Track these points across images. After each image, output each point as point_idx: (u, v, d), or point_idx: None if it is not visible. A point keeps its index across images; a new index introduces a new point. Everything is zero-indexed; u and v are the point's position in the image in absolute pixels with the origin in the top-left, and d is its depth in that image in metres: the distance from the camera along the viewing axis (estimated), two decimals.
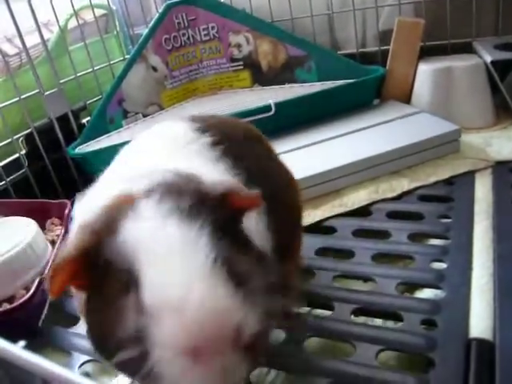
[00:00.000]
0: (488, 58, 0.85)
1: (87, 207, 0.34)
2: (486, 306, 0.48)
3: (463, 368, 0.42)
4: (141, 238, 0.28)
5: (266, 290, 0.29)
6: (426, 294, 0.53)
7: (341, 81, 0.94)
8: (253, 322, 0.27)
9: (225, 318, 0.26)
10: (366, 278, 0.56)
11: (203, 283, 0.26)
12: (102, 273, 0.29)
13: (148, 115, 0.97)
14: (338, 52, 1.05)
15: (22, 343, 0.25)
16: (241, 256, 0.29)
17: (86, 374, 0.49)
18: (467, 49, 0.94)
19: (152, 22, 0.98)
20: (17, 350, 0.24)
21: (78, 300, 0.33)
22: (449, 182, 0.71)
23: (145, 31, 0.98)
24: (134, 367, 0.26)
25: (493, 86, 0.87)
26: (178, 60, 1.02)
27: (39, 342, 0.55)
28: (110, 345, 0.28)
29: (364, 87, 0.92)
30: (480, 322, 0.47)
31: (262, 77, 1.03)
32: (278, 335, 0.49)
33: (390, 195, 0.69)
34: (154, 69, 0.98)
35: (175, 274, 0.26)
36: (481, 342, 0.44)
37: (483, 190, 0.68)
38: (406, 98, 0.94)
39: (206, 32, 1.02)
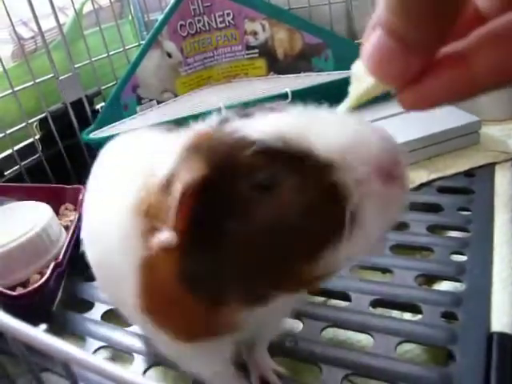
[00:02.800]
0: None
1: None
2: (507, 299, 0.47)
3: (484, 361, 0.41)
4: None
5: None
6: (446, 286, 0.52)
7: None
8: None
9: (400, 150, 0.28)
10: (384, 270, 0.55)
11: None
12: None
13: (162, 102, 0.96)
14: (356, 41, 1.04)
15: (43, 326, 0.25)
16: None
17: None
18: None
19: (167, 8, 0.96)
20: (39, 333, 0.24)
21: None
22: (468, 174, 0.70)
23: (160, 17, 0.97)
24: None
25: None
26: (192, 47, 1.01)
27: (53, 327, 0.54)
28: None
29: None
30: (501, 316, 0.46)
31: (277, 65, 1.01)
32: (295, 325, 0.49)
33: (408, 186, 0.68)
34: (169, 55, 0.97)
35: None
36: (502, 335, 0.43)
37: (503, 183, 0.67)
38: None
39: (221, 19, 1.01)
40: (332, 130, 0.28)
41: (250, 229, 0.28)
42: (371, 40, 0.23)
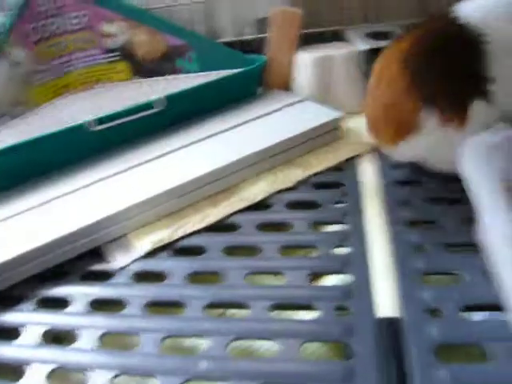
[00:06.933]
0: (360, 47, 0.90)
1: None
2: (389, 285, 0.52)
3: (380, 347, 0.45)
4: None
5: None
6: (334, 280, 0.55)
7: (225, 71, 0.92)
8: None
9: None
10: (275, 272, 0.56)
11: None
12: None
13: (17, 116, 0.88)
14: (216, 40, 1.04)
15: None
16: None
17: None
18: (342, 37, 0.99)
19: (12, 11, 0.87)
20: None
21: None
22: (338, 167, 0.74)
23: (4, 19, 0.87)
24: None
25: (368, 72, 0.92)
26: (46, 52, 0.93)
27: None
28: None
29: (250, 77, 0.92)
30: (385, 301, 0.50)
31: (141, 68, 0.98)
32: (200, 343, 0.48)
33: (286, 186, 0.70)
34: (18, 64, 0.88)
35: None
36: (388, 320, 0.47)
37: (369, 173, 0.72)
38: (288, 87, 0.96)
39: (76, 21, 0.94)
40: None
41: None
42: None
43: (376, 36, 0.94)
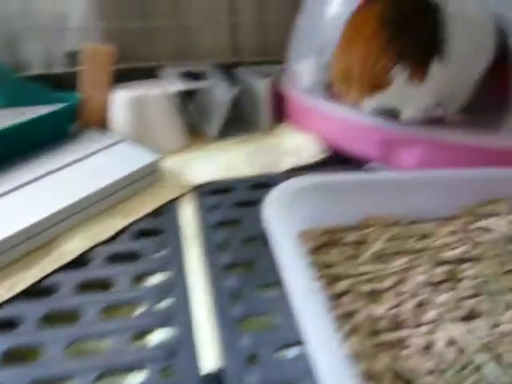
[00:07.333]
0: (175, 87, 0.92)
1: None
2: (211, 336, 0.54)
3: None
4: None
5: None
6: (160, 337, 0.56)
7: (33, 107, 0.86)
8: None
9: None
10: (100, 336, 0.55)
11: None
12: None
13: None
14: (22, 74, 0.97)
15: None
16: None
17: None
18: (157, 74, 1.00)
19: None
20: None
21: None
22: (157, 213, 0.75)
23: None
24: None
25: (184, 111, 0.95)
26: None
27: None
28: None
29: (64, 115, 0.87)
30: (210, 354, 0.52)
31: None
32: None
33: (105, 237, 0.68)
34: None
35: None
36: (213, 374, 0.50)
37: (189, 216, 0.74)
38: (104, 126, 0.94)
39: None
40: None
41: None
42: None
43: (190, 75, 0.98)
